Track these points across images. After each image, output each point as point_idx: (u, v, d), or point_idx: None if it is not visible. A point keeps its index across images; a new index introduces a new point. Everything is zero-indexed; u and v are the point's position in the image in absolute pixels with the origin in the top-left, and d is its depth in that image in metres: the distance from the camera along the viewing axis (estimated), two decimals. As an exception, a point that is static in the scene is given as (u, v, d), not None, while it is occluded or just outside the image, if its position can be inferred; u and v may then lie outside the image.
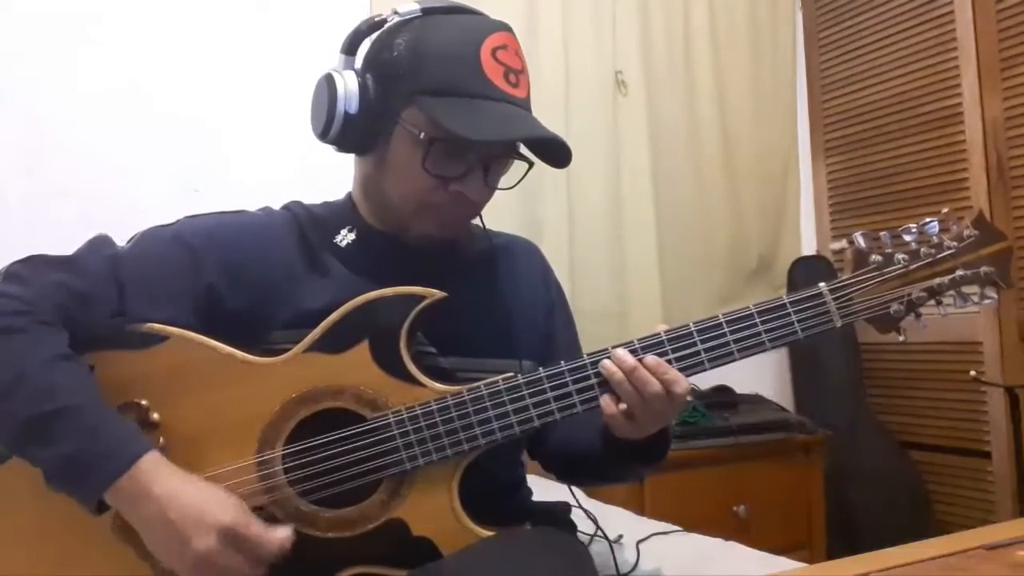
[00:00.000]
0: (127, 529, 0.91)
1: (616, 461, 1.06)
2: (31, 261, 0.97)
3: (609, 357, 0.95)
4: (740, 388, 2.49)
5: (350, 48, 1.04)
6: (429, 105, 0.97)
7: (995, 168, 2.47)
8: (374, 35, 1.04)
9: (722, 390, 2.45)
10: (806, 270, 2.88)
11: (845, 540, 2.46)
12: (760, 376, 2.72)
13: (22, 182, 1.93)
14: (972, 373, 2.37)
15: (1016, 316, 2.43)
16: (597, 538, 1.37)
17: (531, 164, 1.06)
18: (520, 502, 1.16)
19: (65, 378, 0.89)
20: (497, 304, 1.13)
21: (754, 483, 2.26)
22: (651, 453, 1.03)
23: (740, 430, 2.28)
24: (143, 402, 0.95)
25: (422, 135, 0.98)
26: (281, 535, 0.89)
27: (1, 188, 1.91)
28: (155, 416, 0.95)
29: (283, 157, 2.13)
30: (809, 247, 2.99)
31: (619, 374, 0.94)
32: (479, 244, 1.15)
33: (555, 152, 1.03)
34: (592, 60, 2.54)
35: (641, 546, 1.38)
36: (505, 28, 1.03)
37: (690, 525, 1.61)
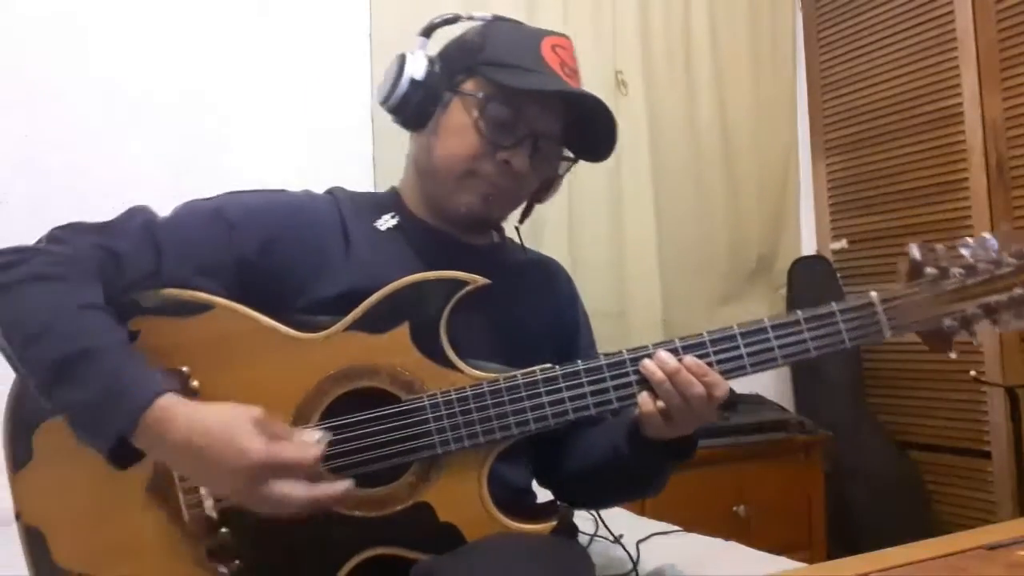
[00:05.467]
0: (159, 492, 0.93)
1: (643, 462, 1.06)
2: (71, 226, 0.99)
3: (650, 356, 0.95)
4: (740, 388, 2.48)
5: (426, 32, 1.12)
6: (490, 71, 1.06)
7: (995, 168, 2.47)
8: (447, 27, 1.13)
9: (722, 390, 2.44)
10: (806, 270, 2.88)
11: (845, 540, 2.46)
12: (760, 376, 2.70)
13: (22, 182, 1.93)
14: (972, 373, 2.36)
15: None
16: (597, 538, 1.37)
17: (574, 161, 1.14)
18: (527, 505, 1.16)
19: (93, 323, 0.90)
20: (521, 315, 1.14)
21: (754, 483, 2.26)
22: (681, 450, 1.03)
23: (740, 430, 2.28)
24: (184, 368, 0.95)
25: (480, 94, 1.06)
26: (312, 443, 0.86)
27: (1, 188, 1.91)
28: (195, 383, 0.95)
29: (286, 159, 2.13)
30: (809, 247, 2.99)
31: (660, 374, 0.94)
32: (511, 256, 1.18)
33: (599, 143, 1.11)
34: (592, 60, 2.54)
35: (641, 546, 1.38)
36: (566, 37, 1.14)
37: (690, 525, 1.61)
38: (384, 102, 1.09)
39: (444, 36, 1.14)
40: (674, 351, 0.95)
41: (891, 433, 2.74)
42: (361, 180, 2.10)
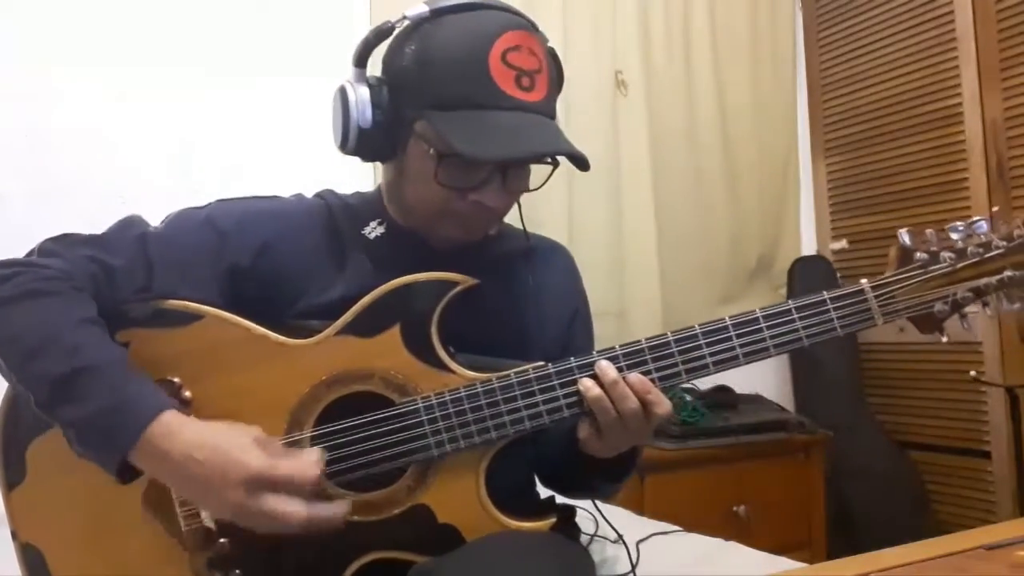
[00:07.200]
0: (157, 505, 0.92)
1: (580, 475, 1.06)
2: (64, 239, 0.98)
3: (645, 350, 0.94)
4: (740, 388, 2.49)
5: (359, 60, 1.03)
6: (437, 120, 0.96)
7: (995, 168, 2.47)
8: (383, 43, 1.04)
9: (722, 390, 2.45)
10: (806, 270, 2.88)
11: (845, 540, 2.46)
12: (760, 376, 2.72)
13: (22, 182, 1.93)
14: (972, 373, 2.36)
15: (1016, 316, 2.43)
16: (597, 538, 1.37)
17: (556, 165, 1.02)
18: (528, 503, 1.15)
19: (93, 338, 0.90)
20: (519, 307, 1.12)
21: (754, 483, 2.26)
22: (616, 470, 1.03)
23: (740, 430, 2.28)
24: (176, 379, 0.95)
25: (431, 151, 0.97)
26: (312, 462, 0.87)
27: (1, 188, 1.91)
28: (187, 394, 0.95)
29: (285, 158, 2.13)
30: (809, 247, 2.99)
31: (596, 391, 0.93)
32: (510, 244, 1.14)
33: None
34: (592, 60, 2.54)
35: (641, 546, 1.38)
36: (517, 25, 0.99)
37: (690, 525, 1.62)
38: (342, 147, 1.04)
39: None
40: (665, 345, 0.94)
41: (891, 433, 2.74)
42: (361, 180, 2.10)
